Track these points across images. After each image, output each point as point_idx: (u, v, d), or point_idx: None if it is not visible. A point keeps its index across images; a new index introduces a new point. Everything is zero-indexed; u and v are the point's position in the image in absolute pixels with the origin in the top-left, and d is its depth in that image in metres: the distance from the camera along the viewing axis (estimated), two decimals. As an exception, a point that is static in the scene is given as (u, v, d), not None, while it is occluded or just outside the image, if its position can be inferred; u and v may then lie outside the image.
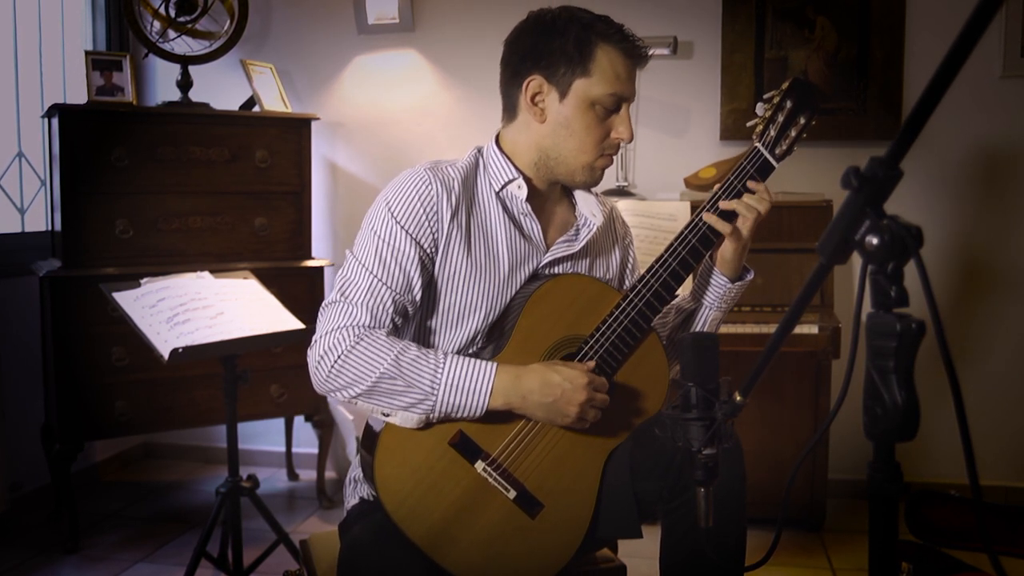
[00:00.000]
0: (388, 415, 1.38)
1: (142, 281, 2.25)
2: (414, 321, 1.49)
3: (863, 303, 0.82)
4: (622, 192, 3.06)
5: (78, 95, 3.14)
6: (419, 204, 1.43)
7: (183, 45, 3.11)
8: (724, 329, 2.55)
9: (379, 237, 1.42)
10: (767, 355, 0.97)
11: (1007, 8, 2.89)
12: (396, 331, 1.43)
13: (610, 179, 3.13)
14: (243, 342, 2.16)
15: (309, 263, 3.09)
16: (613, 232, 1.67)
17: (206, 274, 2.37)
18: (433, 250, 1.44)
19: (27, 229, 3.13)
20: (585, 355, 1.45)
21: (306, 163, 3.12)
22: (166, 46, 3.07)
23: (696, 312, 1.61)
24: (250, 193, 3.01)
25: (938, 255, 3.03)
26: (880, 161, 0.77)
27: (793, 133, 1.52)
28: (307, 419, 3.22)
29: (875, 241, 0.78)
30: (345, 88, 3.40)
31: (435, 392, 1.34)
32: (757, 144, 1.52)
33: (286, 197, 3.08)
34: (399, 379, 1.34)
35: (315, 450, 3.29)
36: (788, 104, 1.51)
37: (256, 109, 3.10)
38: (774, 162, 1.51)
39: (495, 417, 1.39)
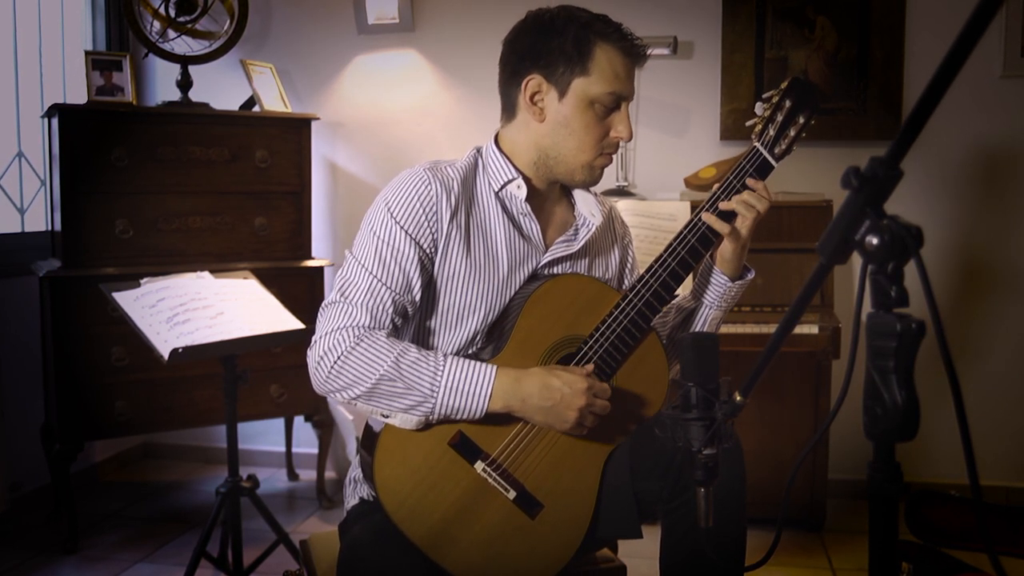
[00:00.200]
0: (388, 416, 1.38)
1: (142, 281, 2.25)
2: (414, 321, 1.49)
3: (863, 303, 0.82)
4: (622, 192, 3.06)
5: (78, 95, 3.14)
6: (418, 204, 1.42)
7: (183, 45, 3.11)
8: (724, 329, 2.55)
9: (378, 237, 1.42)
10: (767, 355, 0.97)
11: (1007, 8, 2.89)
12: (396, 331, 1.43)
13: (610, 179, 3.13)
14: (243, 342, 2.16)
15: (309, 263, 3.09)
16: (612, 232, 1.66)
17: (206, 274, 2.37)
18: (432, 250, 1.44)
19: (27, 229, 3.13)
20: (584, 355, 1.45)
21: (306, 163, 3.12)
22: (166, 46, 3.07)
23: (696, 311, 1.61)
24: (250, 193, 3.01)
25: (938, 255, 3.03)
26: (880, 161, 0.77)
27: (792, 132, 1.52)
28: (307, 419, 3.22)
29: (875, 241, 0.78)
30: (345, 88, 3.40)
31: (435, 394, 1.34)
32: (756, 144, 1.52)
33: (286, 197, 3.08)
34: (399, 381, 1.34)
35: (315, 450, 3.29)
36: (787, 103, 1.51)
37: (256, 109, 3.10)
38: (773, 162, 1.51)
39: (495, 418, 1.38)
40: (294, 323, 2.29)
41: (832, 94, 3.04)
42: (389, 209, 1.43)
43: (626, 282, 1.68)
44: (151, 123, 2.88)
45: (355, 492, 1.55)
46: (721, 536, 1.41)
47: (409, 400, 1.35)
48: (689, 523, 1.43)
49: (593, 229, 1.55)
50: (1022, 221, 3.00)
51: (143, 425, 2.90)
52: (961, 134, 2.98)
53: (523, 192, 1.50)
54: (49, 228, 3.16)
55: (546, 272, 1.53)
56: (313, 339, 1.40)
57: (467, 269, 1.46)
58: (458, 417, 1.37)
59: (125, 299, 2.18)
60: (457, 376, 1.35)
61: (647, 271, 1.47)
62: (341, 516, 1.59)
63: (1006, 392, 3.03)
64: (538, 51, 1.45)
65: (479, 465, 1.39)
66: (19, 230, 3.10)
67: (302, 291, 3.01)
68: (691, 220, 1.50)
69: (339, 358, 1.35)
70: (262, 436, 3.55)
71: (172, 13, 3.04)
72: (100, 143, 2.78)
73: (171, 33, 3.06)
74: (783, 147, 1.52)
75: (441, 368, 1.35)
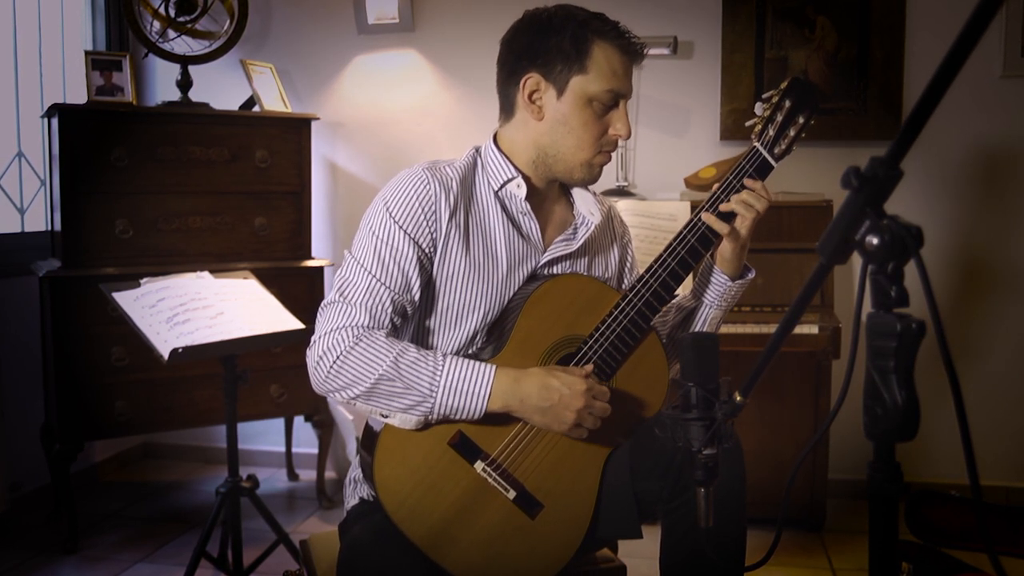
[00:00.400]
0: (387, 416, 1.38)
1: (142, 281, 2.25)
2: (413, 321, 1.49)
3: (863, 303, 0.82)
4: (622, 192, 3.06)
5: (78, 95, 3.14)
6: (417, 204, 1.43)
7: (183, 45, 3.11)
8: (724, 329, 2.54)
9: (377, 237, 1.42)
10: (767, 355, 0.97)
11: (1007, 8, 2.89)
12: (395, 331, 1.43)
13: (610, 179, 3.13)
14: (243, 342, 2.16)
15: (309, 263, 3.09)
16: (611, 231, 1.67)
17: (206, 274, 2.37)
18: (431, 250, 1.44)
19: (27, 229, 3.13)
20: (584, 355, 1.45)
21: (306, 163, 3.12)
22: (166, 46, 3.07)
23: (696, 310, 1.61)
24: (250, 193, 3.01)
25: (938, 255, 3.03)
26: (880, 161, 0.77)
27: (792, 132, 1.52)
28: (307, 419, 3.22)
29: (875, 241, 0.78)
30: (345, 88, 3.40)
31: (433, 394, 1.34)
32: (756, 144, 1.52)
33: (286, 197, 3.08)
34: (398, 381, 1.34)
35: (315, 450, 3.29)
36: (787, 103, 1.51)
37: (256, 109, 3.10)
38: (773, 162, 1.51)
39: (495, 418, 1.38)
40: (294, 323, 2.29)
41: (832, 94, 3.04)
42: (388, 209, 1.43)
43: (626, 281, 1.68)
44: (151, 123, 2.88)
45: (355, 492, 1.55)
46: (721, 536, 1.41)
47: (408, 400, 1.35)
48: (689, 523, 1.43)
49: (592, 228, 1.55)
50: (1022, 221, 3.00)
51: (143, 425, 2.90)
52: (961, 134, 2.98)
53: (523, 191, 1.50)
54: (49, 228, 3.16)
55: (545, 271, 1.53)
56: (312, 339, 1.40)
57: (466, 268, 1.46)
58: (457, 417, 1.37)
59: (125, 299, 2.18)
60: (456, 376, 1.35)
61: (647, 271, 1.47)
62: (341, 516, 1.59)
63: (1006, 392, 3.03)
64: (536, 50, 1.46)
65: (479, 465, 1.39)
66: (19, 230, 3.10)
67: (302, 291, 3.01)
68: (691, 220, 1.50)
69: (338, 358, 1.35)
70: (262, 436, 3.55)
71: (172, 13, 3.04)
72: (100, 143, 2.78)
73: (171, 33, 3.06)
74: (783, 147, 1.52)
75: (440, 368, 1.35)
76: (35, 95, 3.13)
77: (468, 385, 1.35)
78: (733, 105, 3.10)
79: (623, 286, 1.67)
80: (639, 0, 3.08)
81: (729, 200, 1.50)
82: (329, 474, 3.34)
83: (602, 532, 1.48)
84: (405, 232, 1.42)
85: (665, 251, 1.48)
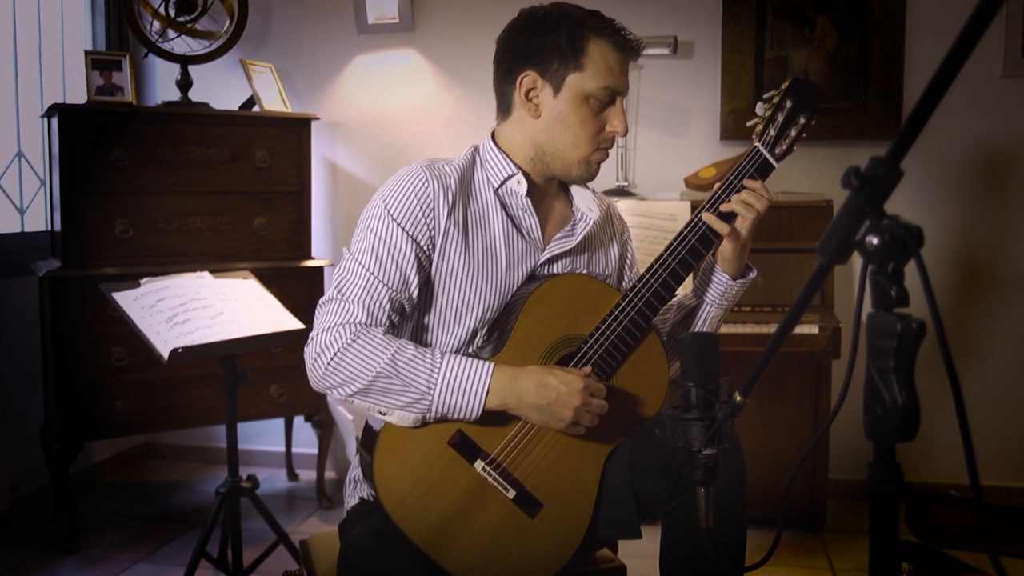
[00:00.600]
0: (385, 413, 1.38)
1: (142, 281, 2.25)
2: (412, 319, 1.49)
3: (863, 303, 0.82)
4: (622, 192, 3.06)
5: (78, 95, 3.14)
6: (415, 201, 1.43)
7: (183, 45, 3.10)
8: (724, 329, 2.54)
9: (375, 235, 1.42)
10: (767, 355, 0.97)
11: (1007, 8, 2.88)
12: (393, 329, 1.43)
13: (610, 179, 3.13)
14: (243, 342, 2.16)
15: (309, 263, 3.09)
16: (611, 227, 1.67)
17: (206, 274, 2.37)
18: (430, 247, 1.44)
19: (27, 229, 3.13)
20: (584, 355, 1.45)
21: (306, 163, 3.12)
22: (166, 46, 3.07)
23: (697, 309, 1.61)
24: (250, 193, 3.01)
25: (938, 255, 3.03)
26: (880, 161, 0.77)
27: (793, 133, 1.52)
28: (307, 419, 3.22)
29: (875, 241, 0.77)
30: (345, 88, 3.40)
31: (431, 392, 1.34)
32: (757, 144, 1.52)
33: (286, 197, 3.08)
34: (395, 378, 1.34)
35: (315, 450, 3.28)
36: (788, 104, 1.51)
37: (256, 109, 3.10)
38: (774, 162, 1.51)
39: (494, 417, 1.38)
40: (294, 323, 2.29)
41: (832, 94, 3.04)
42: (386, 206, 1.43)
43: (626, 278, 1.68)
44: (151, 123, 2.88)
45: (355, 492, 1.55)
46: (721, 536, 1.41)
47: (406, 397, 1.35)
48: (689, 523, 1.43)
49: (591, 223, 1.55)
50: (1022, 221, 3.00)
51: (143, 425, 2.90)
52: (961, 134, 2.98)
53: (523, 187, 1.50)
54: (49, 228, 3.16)
55: (545, 269, 1.53)
56: (310, 336, 1.40)
57: (465, 265, 1.46)
58: (455, 415, 1.37)
59: (125, 299, 2.18)
60: (454, 373, 1.35)
61: (647, 271, 1.47)
62: (341, 516, 1.59)
63: (1006, 392, 3.03)
64: (532, 48, 1.46)
65: (479, 464, 1.39)
66: (19, 230, 3.10)
67: (302, 291, 3.01)
68: (691, 220, 1.51)
69: (336, 354, 1.35)
70: (262, 436, 3.54)
71: (172, 13, 3.04)
72: (100, 143, 2.78)
73: (171, 33, 3.06)
74: (784, 147, 1.52)
75: (438, 365, 1.35)
76: (35, 95, 3.13)
77: (465, 383, 1.35)
78: (733, 105, 3.10)
79: (623, 283, 1.67)
80: (639, 0, 3.08)
81: (730, 200, 1.50)
82: (329, 474, 3.34)
83: (602, 532, 1.48)
84: (403, 230, 1.42)
85: (665, 251, 1.48)
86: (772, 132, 1.52)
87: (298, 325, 2.28)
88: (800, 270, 2.74)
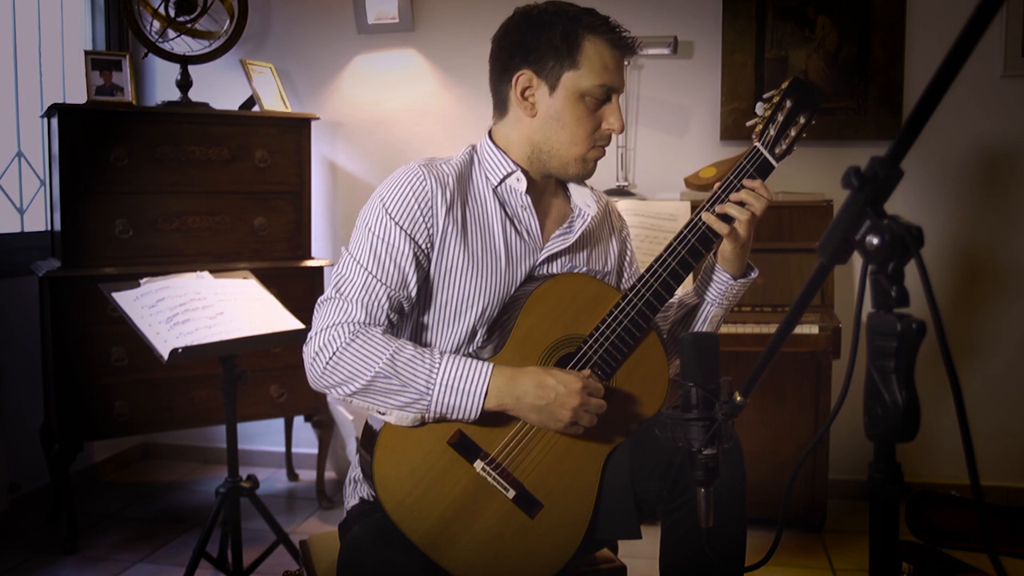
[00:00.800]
0: (384, 413, 1.38)
1: (141, 281, 2.25)
2: (411, 318, 1.49)
3: (864, 303, 0.82)
4: (622, 192, 3.06)
5: (77, 95, 3.14)
6: (414, 200, 1.43)
7: (182, 45, 3.10)
8: (724, 329, 2.54)
9: (374, 233, 1.42)
10: (767, 355, 0.97)
11: (1008, 8, 2.88)
12: (392, 328, 1.43)
13: (610, 179, 3.13)
14: (242, 342, 2.16)
15: (309, 263, 3.09)
16: (609, 223, 1.67)
17: (206, 274, 2.37)
18: (429, 246, 1.44)
19: (26, 229, 3.13)
20: (584, 354, 1.45)
21: (306, 163, 3.12)
22: (165, 46, 3.07)
23: (698, 308, 1.61)
24: (249, 193, 3.01)
25: (939, 255, 3.03)
26: (881, 161, 0.77)
27: (793, 132, 1.52)
28: (307, 419, 3.22)
29: (876, 241, 0.77)
30: (345, 88, 3.40)
31: (430, 392, 1.34)
32: (757, 144, 1.52)
33: (285, 197, 3.08)
34: (394, 378, 1.34)
35: (315, 450, 3.28)
36: (788, 104, 1.51)
37: (256, 109, 3.10)
38: (774, 161, 1.51)
39: (494, 417, 1.38)
40: (294, 323, 2.28)
41: (832, 94, 3.04)
42: (384, 205, 1.43)
43: (625, 274, 1.68)
44: (150, 123, 2.88)
45: (355, 492, 1.54)
46: (721, 536, 1.41)
47: (404, 397, 1.35)
48: (689, 523, 1.42)
49: (589, 220, 1.55)
50: (1022, 221, 3.00)
51: (142, 425, 2.90)
52: (961, 134, 2.98)
53: (523, 184, 1.50)
54: (49, 228, 3.16)
55: (544, 266, 1.53)
56: (309, 335, 1.40)
57: (464, 263, 1.46)
58: (453, 416, 1.36)
59: (125, 299, 2.18)
60: (452, 374, 1.35)
61: (647, 271, 1.47)
62: (341, 516, 1.58)
63: (1007, 392, 3.03)
64: (527, 47, 1.46)
65: (478, 464, 1.39)
66: (19, 230, 3.10)
67: (302, 291, 3.01)
68: (691, 220, 1.50)
69: (334, 354, 1.35)
70: (262, 436, 3.54)
71: (172, 13, 3.04)
72: (99, 143, 2.78)
73: (171, 33, 3.06)
74: (784, 147, 1.52)
75: (437, 365, 1.35)
76: (35, 95, 3.13)
77: (464, 383, 1.35)
78: (733, 105, 3.10)
79: (623, 279, 1.67)
80: (639, 0, 3.08)
81: (729, 200, 1.49)
82: (329, 474, 3.34)
83: (602, 532, 1.47)
84: (401, 228, 1.42)
85: (665, 251, 1.48)
86: (772, 132, 1.51)
87: (298, 325, 2.27)
88: (800, 270, 2.74)
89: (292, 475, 3.44)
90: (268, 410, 3.04)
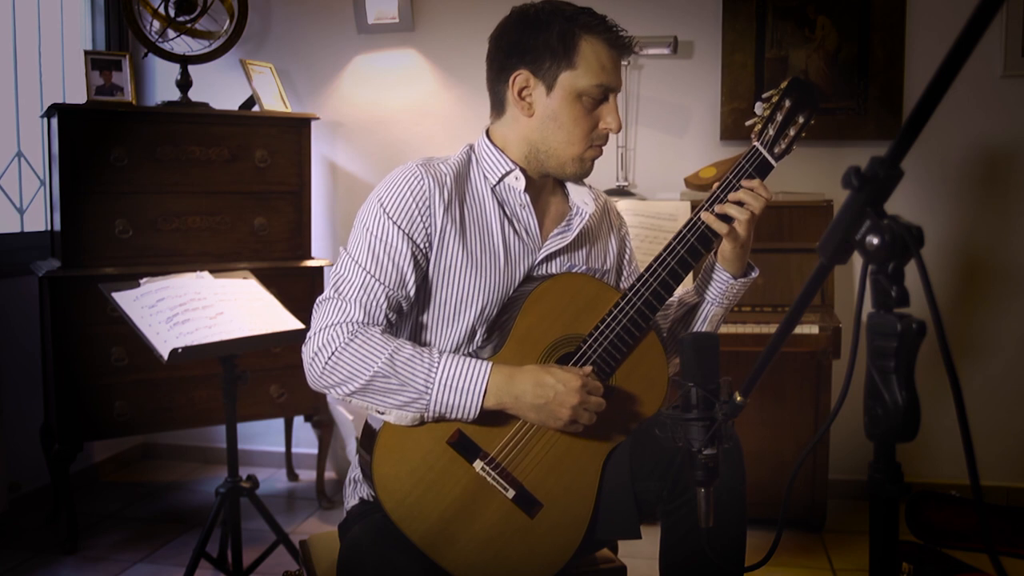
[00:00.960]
0: (383, 413, 1.38)
1: (141, 281, 2.25)
2: (410, 318, 1.49)
3: (864, 303, 0.82)
4: (622, 192, 3.06)
5: (77, 95, 3.14)
6: (411, 200, 1.43)
7: (182, 45, 3.10)
8: (724, 329, 2.54)
9: (372, 233, 1.42)
10: (767, 355, 0.97)
11: (1008, 8, 2.88)
12: (391, 328, 1.43)
13: (610, 179, 3.13)
14: (242, 342, 2.16)
15: (309, 263, 3.09)
16: (608, 221, 1.67)
17: (205, 274, 2.37)
18: (427, 246, 1.44)
19: (26, 229, 3.13)
20: (583, 354, 1.45)
21: (306, 163, 3.12)
22: (165, 46, 3.07)
23: (698, 307, 1.61)
24: (249, 193, 3.01)
25: (939, 255, 3.03)
26: (881, 161, 0.77)
27: (792, 132, 1.51)
28: (307, 419, 3.22)
29: (876, 241, 0.77)
30: (345, 88, 3.40)
31: (429, 392, 1.34)
32: (756, 143, 1.52)
33: (285, 197, 3.08)
34: (393, 378, 1.34)
35: (315, 450, 3.28)
36: (787, 103, 1.51)
37: (255, 109, 3.09)
38: (773, 161, 1.51)
39: (494, 417, 1.38)
40: (293, 323, 2.28)
41: (832, 94, 3.04)
42: (382, 205, 1.43)
43: (625, 272, 1.68)
44: (150, 123, 2.88)
45: (355, 492, 1.54)
46: (721, 536, 1.41)
47: (403, 397, 1.35)
48: (689, 524, 1.42)
49: (587, 217, 1.55)
50: (1022, 221, 3.00)
51: (142, 425, 2.90)
52: (961, 134, 2.98)
53: (521, 183, 1.50)
54: (48, 228, 3.16)
55: (543, 265, 1.53)
56: (308, 335, 1.40)
57: (463, 261, 1.46)
58: (452, 415, 1.36)
59: (124, 299, 2.18)
60: (451, 373, 1.35)
61: (646, 270, 1.47)
62: (341, 516, 1.58)
63: (1007, 392, 3.03)
64: (524, 47, 1.46)
65: (478, 464, 1.39)
66: (18, 230, 3.10)
67: (302, 291, 3.01)
68: (690, 219, 1.50)
69: (333, 354, 1.35)
70: (262, 436, 3.54)
71: (171, 13, 3.04)
72: (99, 143, 2.78)
73: (171, 33, 3.06)
74: (783, 147, 1.52)
75: (435, 365, 1.35)
76: (35, 95, 3.13)
77: (463, 382, 1.35)
78: (733, 105, 3.10)
79: (622, 277, 1.67)
80: (639, 0, 3.08)
81: (727, 199, 1.49)
82: (329, 474, 3.33)
83: (601, 532, 1.47)
84: (399, 228, 1.42)
85: (665, 250, 1.48)
86: (771, 131, 1.51)
87: (298, 325, 2.27)
88: (800, 270, 2.74)
89: (292, 475, 3.44)
90: (268, 410, 3.04)
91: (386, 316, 1.41)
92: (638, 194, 3.07)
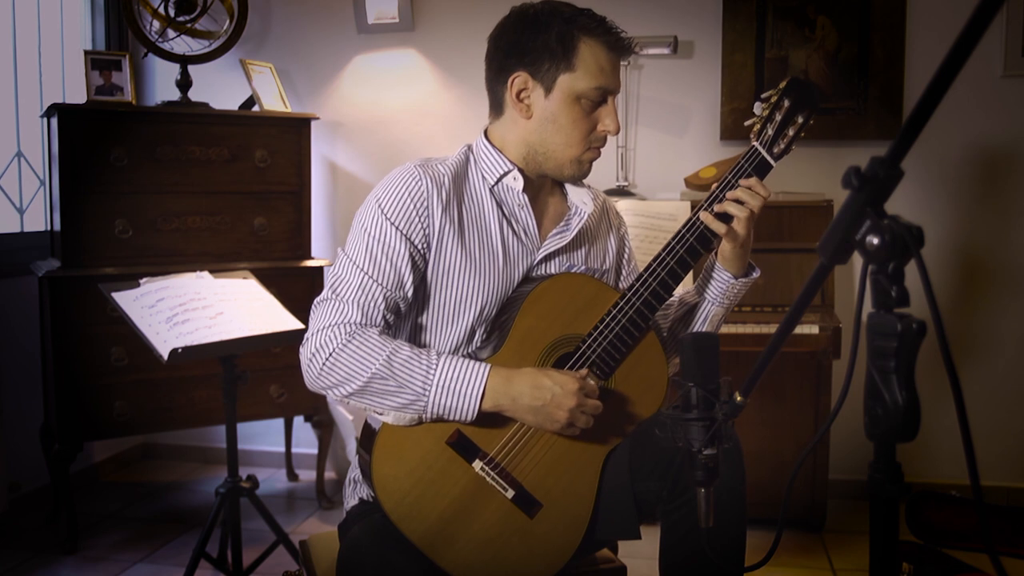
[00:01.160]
0: (381, 413, 1.38)
1: (141, 281, 2.25)
2: (409, 319, 1.49)
3: (864, 303, 0.82)
4: (622, 192, 3.06)
5: (77, 95, 3.14)
6: (409, 201, 1.43)
7: (182, 44, 3.10)
8: (724, 329, 2.54)
9: (370, 235, 1.42)
10: (768, 355, 0.97)
11: (1008, 8, 2.88)
12: (389, 329, 1.43)
13: (610, 179, 3.13)
14: (242, 342, 2.16)
15: (308, 263, 3.09)
16: (607, 221, 1.67)
17: (205, 274, 2.37)
18: (425, 247, 1.44)
19: (26, 229, 3.13)
20: (582, 354, 1.45)
21: (305, 163, 3.12)
22: (165, 46, 3.07)
23: (698, 306, 1.61)
24: (249, 193, 3.01)
25: (939, 255, 3.03)
26: (881, 161, 0.76)
27: (791, 132, 1.51)
28: (307, 419, 3.22)
29: (876, 241, 0.77)
30: (345, 88, 3.40)
31: (426, 394, 1.34)
32: (755, 143, 1.52)
33: (285, 197, 3.08)
34: (391, 380, 1.34)
35: (315, 450, 3.28)
36: (785, 103, 1.51)
37: (255, 109, 3.09)
38: (772, 161, 1.51)
39: (493, 417, 1.38)
40: (293, 323, 2.28)
41: (833, 94, 3.03)
42: (380, 206, 1.43)
43: (624, 272, 1.68)
44: (150, 123, 2.88)
45: (355, 492, 1.54)
46: (721, 536, 1.41)
47: (401, 399, 1.35)
48: (689, 524, 1.42)
49: (586, 217, 1.55)
50: (1022, 221, 3.00)
51: (142, 425, 2.90)
52: (962, 134, 2.98)
53: (519, 183, 1.50)
54: (48, 228, 3.16)
55: (542, 265, 1.53)
56: (305, 336, 1.40)
57: (462, 262, 1.46)
58: (450, 417, 1.36)
59: (124, 299, 2.18)
60: (449, 375, 1.35)
61: (646, 270, 1.47)
62: (341, 516, 1.58)
63: (1007, 392, 3.03)
64: (523, 48, 1.45)
65: (477, 464, 1.39)
66: (18, 230, 3.10)
67: (302, 291, 3.00)
68: (689, 219, 1.50)
69: (330, 355, 1.35)
70: (262, 436, 3.54)
71: (171, 12, 3.04)
72: (99, 143, 2.78)
73: (170, 33, 3.06)
74: (782, 146, 1.52)
75: (433, 367, 1.35)
76: (35, 95, 3.13)
77: (461, 385, 1.35)
78: (733, 105, 3.10)
79: (621, 276, 1.67)
80: (639, 0, 3.08)
81: (723, 202, 1.49)
82: (329, 474, 3.33)
83: (601, 533, 1.47)
84: (397, 229, 1.41)
85: (663, 251, 1.48)
86: (770, 131, 1.51)
87: (297, 325, 2.27)
88: (800, 270, 2.74)
89: (292, 475, 3.44)
90: (268, 410, 3.04)
91: (384, 317, 1.41)
92: (638, 194, 3.07)
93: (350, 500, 1.55)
